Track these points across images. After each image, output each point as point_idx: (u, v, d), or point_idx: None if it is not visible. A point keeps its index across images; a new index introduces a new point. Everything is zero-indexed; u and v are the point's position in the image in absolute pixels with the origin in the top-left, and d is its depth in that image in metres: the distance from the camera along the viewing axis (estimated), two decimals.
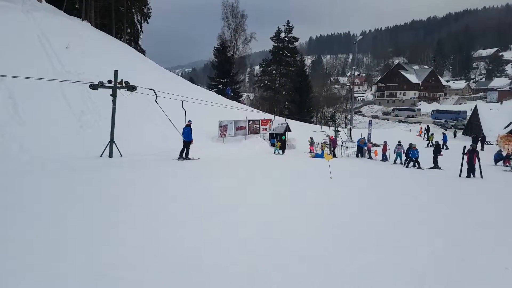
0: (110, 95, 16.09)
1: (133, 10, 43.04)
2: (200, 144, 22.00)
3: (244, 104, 55.93)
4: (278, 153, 24.69)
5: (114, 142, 15.94)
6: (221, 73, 58.96)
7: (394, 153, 23.20)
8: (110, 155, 15.74)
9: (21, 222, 6.79)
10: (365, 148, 26.24)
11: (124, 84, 16.09)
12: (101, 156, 15.55)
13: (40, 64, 19.07)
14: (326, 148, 25.52)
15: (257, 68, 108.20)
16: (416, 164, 20.56)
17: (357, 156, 25.96)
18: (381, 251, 6.30)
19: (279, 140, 26.03)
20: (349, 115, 63.05)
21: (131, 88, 16.21)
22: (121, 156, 16.02)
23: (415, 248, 6.51)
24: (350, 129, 35.25)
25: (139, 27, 44.53)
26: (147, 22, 45.04)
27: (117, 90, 16.19)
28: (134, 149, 17.12)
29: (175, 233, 6.70)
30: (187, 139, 17.40)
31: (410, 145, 21.17)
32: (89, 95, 19.10)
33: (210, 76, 63.79)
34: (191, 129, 17.71)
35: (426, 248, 6.56)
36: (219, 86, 57.98)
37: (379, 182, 15.15)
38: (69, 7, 32.70)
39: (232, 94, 54.70)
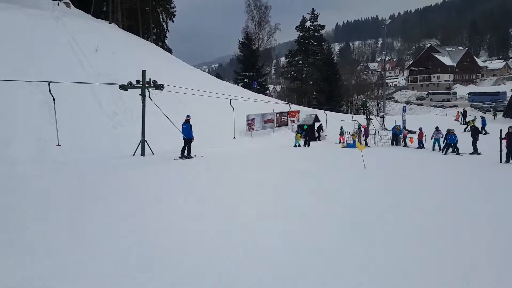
0: (140, 94, 16.32)
1: (158, 10, 43.59)
2: (228, 138, 22.10)
3: (271, 96, 55.59)
4: (299, 145, 23.40)
5: (146, 140, 16.21)
6: (247, 67, 58.88)
7: (432, 139, 22.29)
8: (142, 154, 16.04)
9: (47, 220, 6.94)
10: (401, 135, 25.36)
11: (152, 83, 16.25)
12: (133, 154, 15.88)
13: (71, 68, 19.63)
14: (357, 137, 24.83)
15: (283, 59, 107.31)
16: (455, 150, 19.63)
17: (392, 144, 25.12)
18: (424, 247, 5.94)
19: (300, 132, 25.14)
20: (381, 102, 61.45)
21: (158, 87, 16.35)
22: (153, 154, 16.30)
23: (459, 245, 6.10)
24: (383, 117, 34.15)
25: (165, 26, 45.13)
26: (172, 21, 45.60)
27: (146, 89, 16.39)
28: (165, 146, 17.32)
29: (200, 232, 6.61)
30: (188, 137, 16.11)
31: (448, 130, 20.26)
32: (120, 95, 19.47)
33: (236, 70, 63.82)
34: (190, 125, 16.34)
35: (475, 243, 6.14)
36: (245, 80, 57.96)
37: (416, 171, 14.50)
38: (97, 10, 33.50)
39: (259, 87, 54.50)
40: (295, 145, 23.37)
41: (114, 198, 8.91)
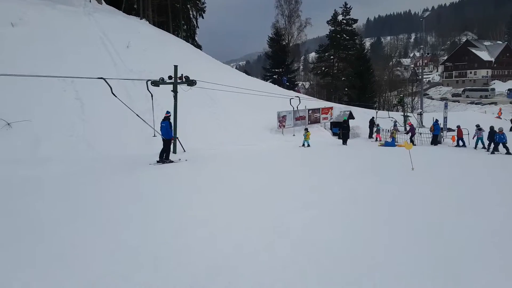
0: (172, 90, 15.84)
1: (188, 6, 43.33)
2: (259, 136, 21.39)
3: (299, 92, 54.51)
4: (308, 145, 20.48)
5: (177, 137, 15.73)
6: (276, 63, 57.95)
7: (474, 137, 20.98)
8: (174, 151, 15.61)
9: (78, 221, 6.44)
10: (440, 134, 23.82)
11: (184, 79, 15.72)
12: None
13: (103, 64, 19.45)
14: (396, 135, 23.44)
15: (311, 55, 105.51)
16: (505, 149, 18.25)
17: (432, 143, 23.55)
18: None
19: (333, 129, 23.34)
20: (416, 99, 58.90)
21: (191, 82, 15.80)
22: (184, 151, 15.85)
23: None
24: (420, 114, 32.38)
25: (194, 23, 44.80)
26: (202, 17, 45.18)
27: (178, 85, 15.90)
28: (196, 143, 16.85)
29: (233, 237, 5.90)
30: (167, 137, 13.78)
31: (492, 128, 19.03)
32: (151, 91, 19.13)
33: (265, 67, 62.98)
34: (170, 123, 14.14)
35: None
36: (274, 76, 57.07)
37: (468, 172, 13.26)
38: (128, 7, 33.56)
39: (288, 83, 53.52)
40: (303, 145, 20.69)
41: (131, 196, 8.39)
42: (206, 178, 11.42)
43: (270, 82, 50.30)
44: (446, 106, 26.27)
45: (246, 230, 6.33)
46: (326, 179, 11.43)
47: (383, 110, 45.94)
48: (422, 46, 41.57)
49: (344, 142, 22.39)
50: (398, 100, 33.84)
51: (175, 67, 15.94)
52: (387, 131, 24.98)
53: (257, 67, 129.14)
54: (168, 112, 14.38)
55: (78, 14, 22.80)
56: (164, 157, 13.63)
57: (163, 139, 13.81)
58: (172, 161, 13.83)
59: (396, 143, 22.70)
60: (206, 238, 5.92)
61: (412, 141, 22.54)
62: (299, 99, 24.93)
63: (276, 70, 57.72)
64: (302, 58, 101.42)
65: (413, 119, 30.87)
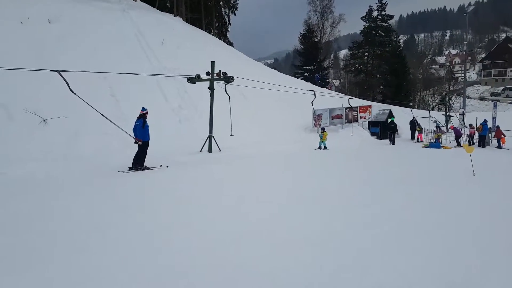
0: (208, 88, 15.29)
1: (221, 3, 42.92)
2: (293, 135, 20.61)
3: (331, 90, 53.16)
4: (325, 147, 18.44)
5: (213, 136, 15.20)
6: (308, 60, 56.77)
7: None
8: (210, 150, 15.14)
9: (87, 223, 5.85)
10: (488, 134, 22.23)
11: (222, 75, 15.11)
12: (200, 151, 15.02)
13: (138, 61, 19.21)
14: (441, 137, 22.07)
15: (342, 53, 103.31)
16: None
17: (480, 145, 22.03)
18: None
19: (387, 127, 22.46)
20: (453, 97, 56.24)
21: (228, 79, 15.19)
22: (220, 151, 15.31)
23: None
24: (463, 113, 30.52)
25: (227, 20, 44.33)
26: (235, 14, 44.61)
27: (215, 82, 15.34)
28: (231, 143, 16.27)
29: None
30: (144, 139, 11.47)
31: None
32: (186, 89, 18.75)
33: (295, 64, 61.99)
34: (145, 121, 11.59)
35: None
36: (305, 74, 55.93)
37: None
38: (162, 4, 33.42)
39: (320, 81, 52.25)
40: (319, 147, 18.58)
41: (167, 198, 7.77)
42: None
43: (301, 79, 49.26)
44: (495, 106, 24.50)
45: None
46: (386, 186, 10.29)
47: (418, 109, 43.92)
48: (466, 42, 38.74)
49: (392, 142, 22.60)
50: (441, 99, 32.16)
51: (212, 63, 15.39)
52: (432, 131, 23.55)
53: (286, 65, 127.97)
54: (143, 109, 11.77)
55: (113, 11, 22.67)
56: (138, 163, 11.47)
57: (139, 143, 11.60)
58: (148, 168, 11.61)
59: (441, 145, 21.41)
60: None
61: (458, 143, 21.28)
62: (315, 93, 23.51)
63: (308, 67, 56.60)
64: (332, 55, 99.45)
65: (455, 119, 29.21)
